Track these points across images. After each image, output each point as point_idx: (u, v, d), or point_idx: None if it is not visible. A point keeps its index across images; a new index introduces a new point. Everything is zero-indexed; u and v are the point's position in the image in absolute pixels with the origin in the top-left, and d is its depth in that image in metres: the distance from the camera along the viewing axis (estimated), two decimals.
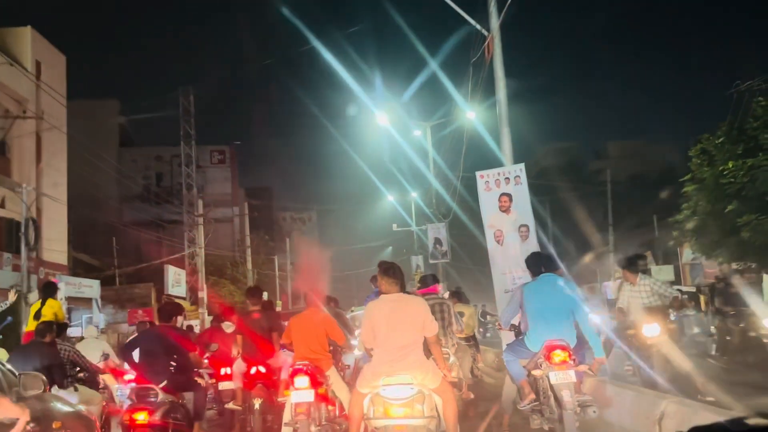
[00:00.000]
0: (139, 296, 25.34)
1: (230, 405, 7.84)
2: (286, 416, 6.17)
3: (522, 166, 9.49)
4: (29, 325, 9.22)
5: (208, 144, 48.72)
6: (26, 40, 22.16)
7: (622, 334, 7.27)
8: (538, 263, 6.12)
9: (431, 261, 26.99)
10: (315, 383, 6.01)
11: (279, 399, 6.85)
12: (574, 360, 5.39)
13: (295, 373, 6.02)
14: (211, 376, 9.03)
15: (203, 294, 27.74)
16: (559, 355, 5.34)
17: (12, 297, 16.06)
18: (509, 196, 9.41)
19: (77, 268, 28.48)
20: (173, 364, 6.19)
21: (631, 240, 37.90)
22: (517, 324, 6.33)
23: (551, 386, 5.35)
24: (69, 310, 22.63)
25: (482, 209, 9.64)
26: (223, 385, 8.70)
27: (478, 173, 9.66)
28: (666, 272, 31.46)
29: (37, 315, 8.92)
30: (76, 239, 31.59)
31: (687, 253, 33.83)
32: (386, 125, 24.04)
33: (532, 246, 9.20)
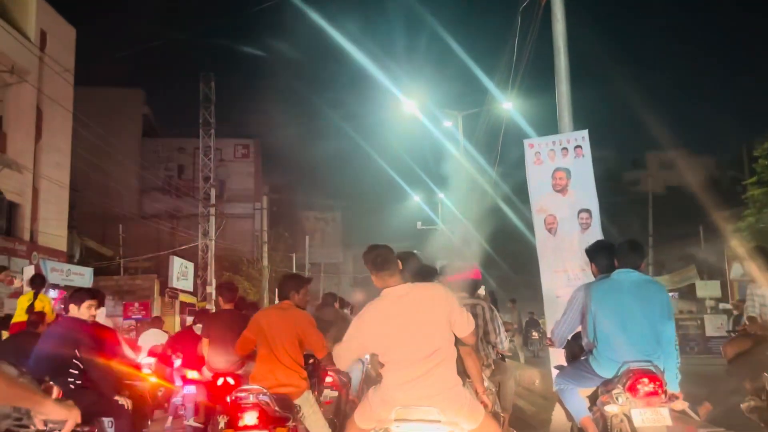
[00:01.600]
0: (140, 288, 23.69)
1: (190, 422, 6.48)
2: None
3: (585, 133, 7.37)
4: (17, 317, 9.04)
5: (232, 137, 47.60)
6: (31, 7, 20.63)
7: (752, 355, 5.07)
8: (608, 254, 4.46)
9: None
10: (268, 421, 4.26)
11: None
12: (666, 393, 3.87)
13: (239, 405, 4.28)
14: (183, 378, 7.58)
15: (212, 289, 26.04)
16: (646, 386, 3.82)
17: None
18: (567, 171, 7.31)
19: (89, 257, 27.20)
20: (74, 373, 4.27)
21: (672, 253, 35.67)
22: (569, 338, 4.75)
23: (634, 429, 3.79)
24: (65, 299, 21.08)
25: (530, 188, 7.55)
26: (188, 389, 7.17)
27: (526, 141, 7.58)
28: (712, 288, 29.12)
29: (30, 309, 8.64)
30: (92, 228, 30.44)
31: (736, 269, 31.32)
32: (414, 114, 22.25)
33: (595, 236, 7.10)
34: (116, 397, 4.58)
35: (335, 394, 6.30)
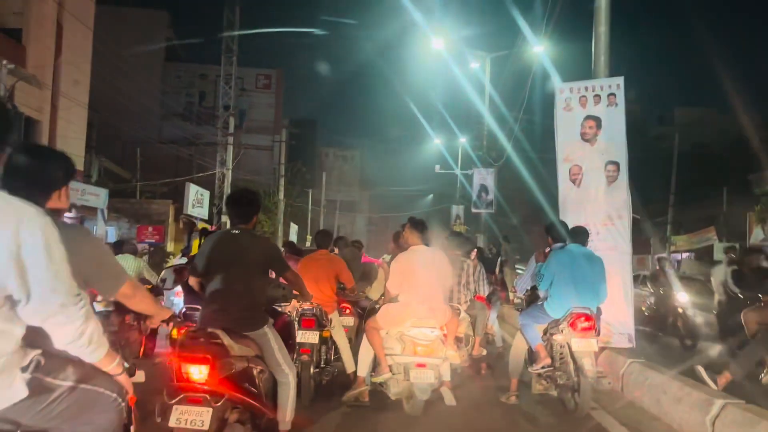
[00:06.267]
0: (156, 212, 23.71)
1: None
2: None
3: (620, 80, 6.96)
4: None
5: (254, 66, 46.85)
6: None
7: None
8: (563, 230, 6.23)
9: (473, 210, 24.77)
10: (319, 325, 6.18)
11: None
12: (597, 331, 5.63)
13: (304, 315, 6.22)
14: None
15: (227, 218, 26.06)
16: (583, 323, 5.52)
17: None
18: (597, 120, 6.93)
19: (107, 178, 27.23)
20: None
21: (693, 213, 34.96)
22: (528, 289, 6.52)
23: (572, 353, 5.48)
24: (81, 220, 21.20)
25: (557, 136, 7.20)
26: None
27: (557, 86, 7.20)
28: None
29: None
30: (110, 150, 30.38)
31: (757, 233, 30.86)
32: (441, 54, 21.59)
33: (621, 190, 6.81)
34: None
35: (351, 322, 7.47)
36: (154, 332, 8.27)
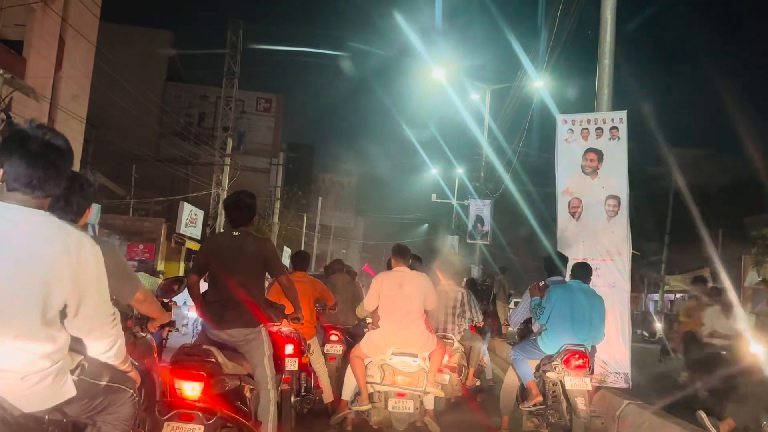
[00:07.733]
0: (147, 230, 23.45)
1: None
2: None
3: (623, 114, 6.88)
4: None
5: (256, 90, 47.13)
6: None
7: None
8: (562, 264, 6.15)
9: (468, 241, 24.62)
10: (298, 352, 5.87)
11: None
12: (591, 369, 5.50)
13: (283, 338, 5.93)
14: None
15: None
16: (577, 361, 5.36)
17: None
18: (599, 153, 6.83)
19: (101, 194, 27.05)
20: None
21: (687, 253, 34.91)
22: (521, 323, 6.42)
23: (565, 391, 5.33)
24: None
25: (557, 167, 7.09)
26: None
27: (560, 117, 7.11)
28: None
29: None
30: (106, 165, 30.24)
31: (752, 276, 30.77)
32: (442, 84, 21.65)
33: (620, 225, 6.67)
34: None
35: (339, 350, 7.15)
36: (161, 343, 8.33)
